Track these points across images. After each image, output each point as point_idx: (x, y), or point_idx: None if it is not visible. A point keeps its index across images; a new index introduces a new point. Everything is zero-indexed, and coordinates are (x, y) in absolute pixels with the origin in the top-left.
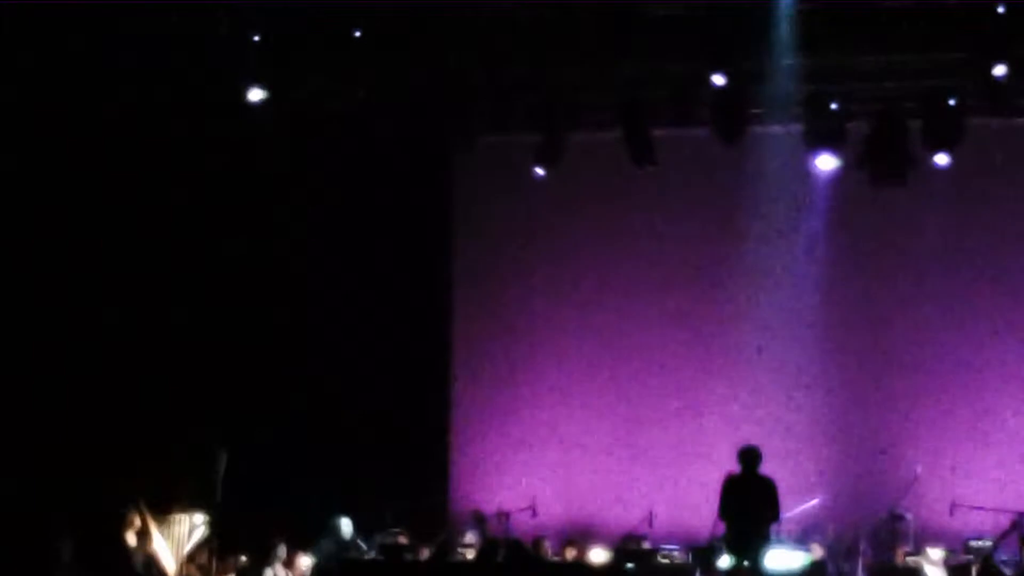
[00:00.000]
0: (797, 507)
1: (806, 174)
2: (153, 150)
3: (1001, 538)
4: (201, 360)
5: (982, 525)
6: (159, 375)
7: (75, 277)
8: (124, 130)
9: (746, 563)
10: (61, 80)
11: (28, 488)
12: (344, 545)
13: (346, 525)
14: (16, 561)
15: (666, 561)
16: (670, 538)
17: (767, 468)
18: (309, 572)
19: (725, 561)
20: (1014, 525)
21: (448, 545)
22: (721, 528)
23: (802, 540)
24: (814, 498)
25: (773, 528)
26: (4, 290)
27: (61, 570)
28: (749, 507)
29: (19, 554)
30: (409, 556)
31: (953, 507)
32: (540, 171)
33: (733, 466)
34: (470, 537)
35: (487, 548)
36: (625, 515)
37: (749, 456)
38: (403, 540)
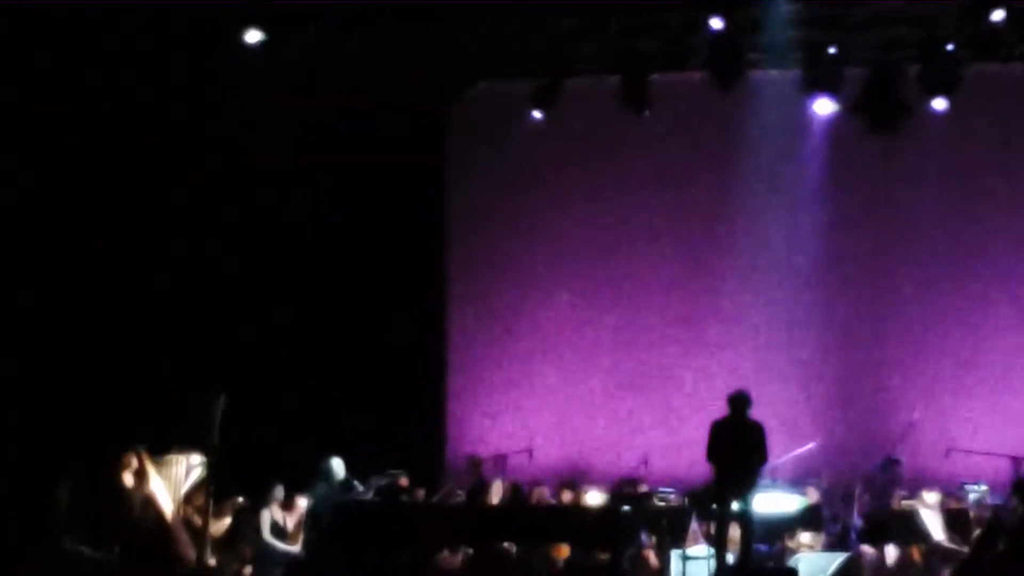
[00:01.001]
0: (793, 452)
1: (803, 119)
2: (150, 111)
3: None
4: (198, 306)
5: (977, 468)
6: (157, 321)
7: (81, 247)
8: (118, 89)
9: (735, 505)
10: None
11: (26, 431)
12: (337, 486)
13: (338, 465)
14: (16, 503)
15: (662, 504)
16: (666, 481)
17: (764, 413)
18: (305, 513)
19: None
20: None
21: (452, 492)
22: (712, 471)
23: (797, 484)
24: (810, 443)
25: (763, 471)
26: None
27: (59, 512)
28: (737, 450)
29: (19, 496)
30: (405, 498)
31: (948, 451)
32: (537, 114)
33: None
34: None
35: (477, 490)
36: (622, 458)
37: (739, 400)
38: (403, 482)
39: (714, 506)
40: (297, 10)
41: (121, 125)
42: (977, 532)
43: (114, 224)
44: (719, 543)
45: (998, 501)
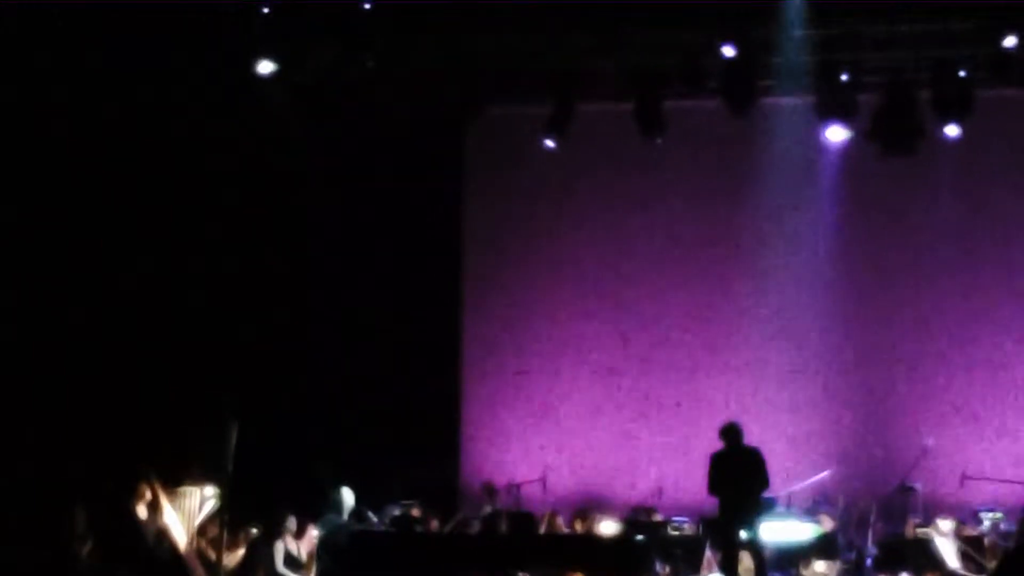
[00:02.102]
0: (808, 479)
1: (816, 145)
2: (164, 125)
3: None
4: (213, 334)
5: (992, 496)
6: (172, 348)
7: (93, 259)
8: (132, 107)
9: (744, 533)
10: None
11: (43, 462)
12: (349, 515)
13: (348, 495)
14: (32, 532)
15: (676, 533)
16: (680, 510)
17: (779, 441)
18: (318, 543)
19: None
20: None
21: (465, 522)
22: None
23: (812, 512)
24: (825, 470)
25: (778, 498)
26: (27, 266)
27: (75, 542)
28: (740, 479)
29: (35, 526)
30: (420, 528)
31: (963, 479)
32: (550, 142)
33: (747, 438)
34: (487, 511)
35: (491, 519)
36: (635, 487)
37: (731, 432)
38: (415, 513)
39: (721, 536)
40: (311, 31)
41: (134, 128)
42: (991, 561)
43: (136, 238)
44: (729, 572)
45: (1012, 528)
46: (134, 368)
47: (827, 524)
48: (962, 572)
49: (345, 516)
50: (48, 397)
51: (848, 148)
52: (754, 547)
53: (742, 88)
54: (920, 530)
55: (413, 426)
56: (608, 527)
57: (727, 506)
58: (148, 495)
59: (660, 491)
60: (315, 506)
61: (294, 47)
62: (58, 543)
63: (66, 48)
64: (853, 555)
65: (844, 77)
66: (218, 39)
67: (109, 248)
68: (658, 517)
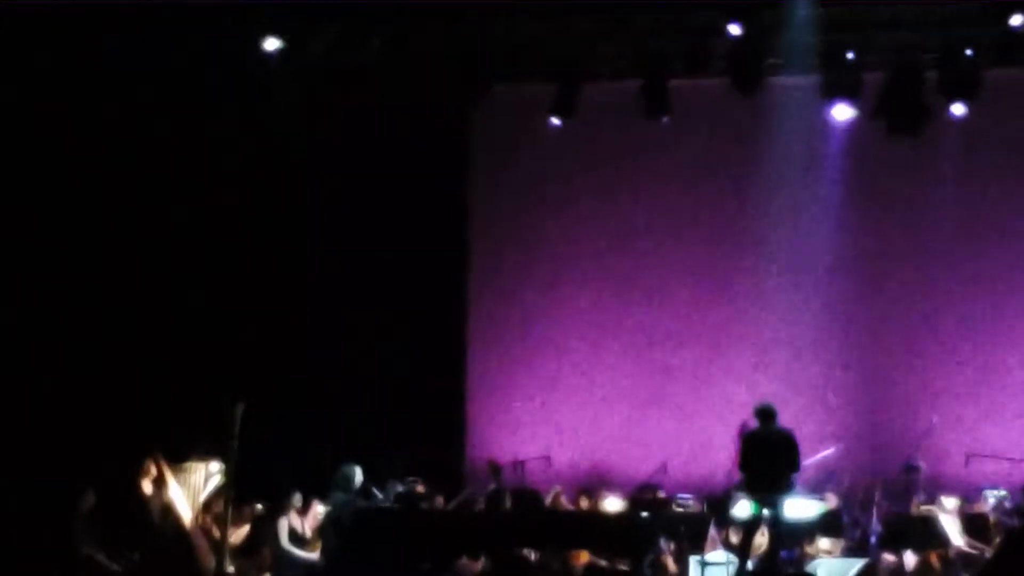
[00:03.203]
0: (813, 457)
1: (822, 125)
2: (162, 121)
3: None
4: (220, 311)
5: (996, 474)
6: (177, 327)
7: (103, 249)
8: (131, 106)
9: (766, 512)
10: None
11: (46, 439)
12: (356, 493)
13: (356, 472)
14: (37, 510)
15: (681, 510)
16: (685, 487)
17: (784, 419)
18: (323, 520)
19: (741, 509)
20: None
21: (471, 499)
22: (736, 477)
23: (817, 489)
24: (830, 448)
25: (794, 479)
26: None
27: (80, 519)
28: (770, 460)
29: (39, 504)
30: (424, 505)
31: (968, 457)
32: (556, 121)
33: (747, 416)
34: (492, 489)
35: (495, 497)
36: (640, 464)
37: (766, 413)
38: (420, 489)
39: (744, 512)
40: (315, 12)
41: (133, 127)
42: (997, 537)
43: (135, 228)
44: (744, 549)
45: (1016, 506)
46: (139, 347)
47: (832, 502)
48: (967, 549)
49: (353, 494)
50: (54, 377)
51: (853, 128)
52: (775, 526)
53: (748, 67)
54: (924, 508)
55: (418, 403)
56: (612, 504)
57: (754, 485)
58: (153, 471)
59: (664, 468)
60: (321, 483)
61: (300, 26)
62: (64, 521)
63: (66, 48)
64: (858, 533)
65: (850, 56)
66: (218, 28)
67: (108, 233)
68: (662, 494)
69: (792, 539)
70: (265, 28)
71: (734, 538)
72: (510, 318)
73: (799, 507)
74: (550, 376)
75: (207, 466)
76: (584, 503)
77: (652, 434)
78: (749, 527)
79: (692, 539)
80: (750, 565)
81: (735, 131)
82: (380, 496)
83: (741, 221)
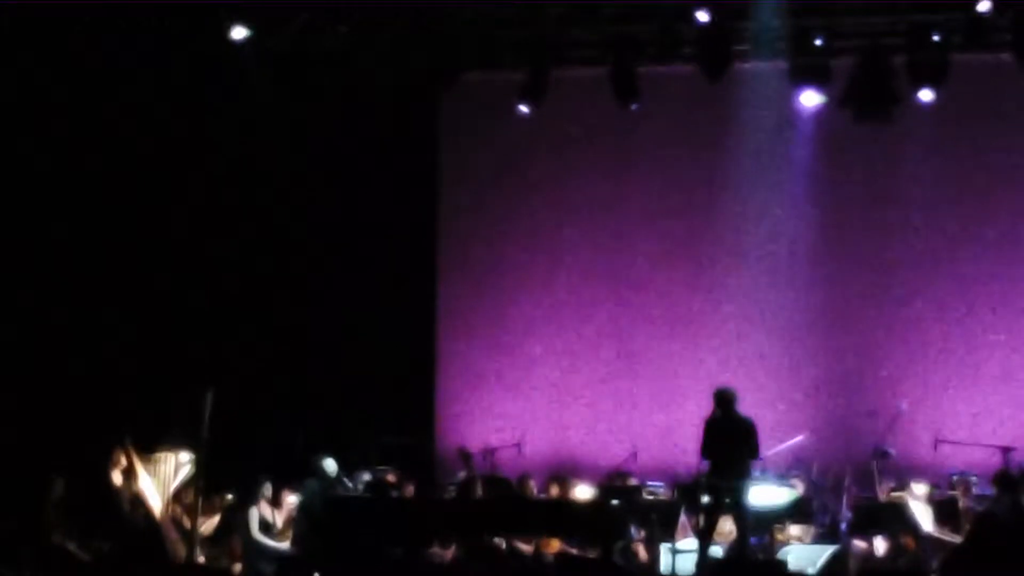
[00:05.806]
0: (782, 444)
1: (791, 111)
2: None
3: None
4: (188, 301)
5: (966, 459)
6: (146, 316)
7: (72, 242)
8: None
9: (727, 500)
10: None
11: (16, 429)
12: (329, 483)
13: (330, 464)
14: (9, 499)
15: (652, 497)
16: (655, 475)
17: (755, 406)
18: (295, 510)
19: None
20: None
21: (441, 487)
22: (706, 466)
23: (786, 476)
24: (799, 435)
25: (754, 465)
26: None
27: (50, 509)
28: (729, 446)
29: (9, 494)
30: (395, 493)
31: (937, 442)
32: (525, 108)
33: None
34: (462, 476)
35: (466, 485)
36: (610, 452)
37: (724, 397)
38: (391, 478)
39: (706, 499)
40: (284, 2)
41: (113, 124)
42: (966, 523)
43: (105, 219)
44: (704, 535)
45: (986, 492)
46: (108, 336)
47: (800, 488)
48: (936, 535)
49: (326, 483)
50: (23, 366)
51: (822, 113)
52: (739, 512)
53: (717, 54)
54: (894, 494)
55: (388, 391)
56: (583, 492)
57: (715, 471)
58: (123, 461)
59: (635, 455)
60: (292, 472)
61: (269, 12)
62: (34, 510)
63: (65, 48)
64: (827, 519)
65: (818, 42)
66: (186, 19)
67: (89, 229)
68: (633, 482)
69: (761, 526)
70: (232, 16)
71: None
72: (480, 305)
73: (768, 494)
74: (521, 364)
75: (177, 456)
76: (555, 491)
77: (622, 421)
78: (708, 513)
79: (663, 526)
80: (720, 551)
81: (704, 117)
82: (350, 485)
83: (711, 208)
